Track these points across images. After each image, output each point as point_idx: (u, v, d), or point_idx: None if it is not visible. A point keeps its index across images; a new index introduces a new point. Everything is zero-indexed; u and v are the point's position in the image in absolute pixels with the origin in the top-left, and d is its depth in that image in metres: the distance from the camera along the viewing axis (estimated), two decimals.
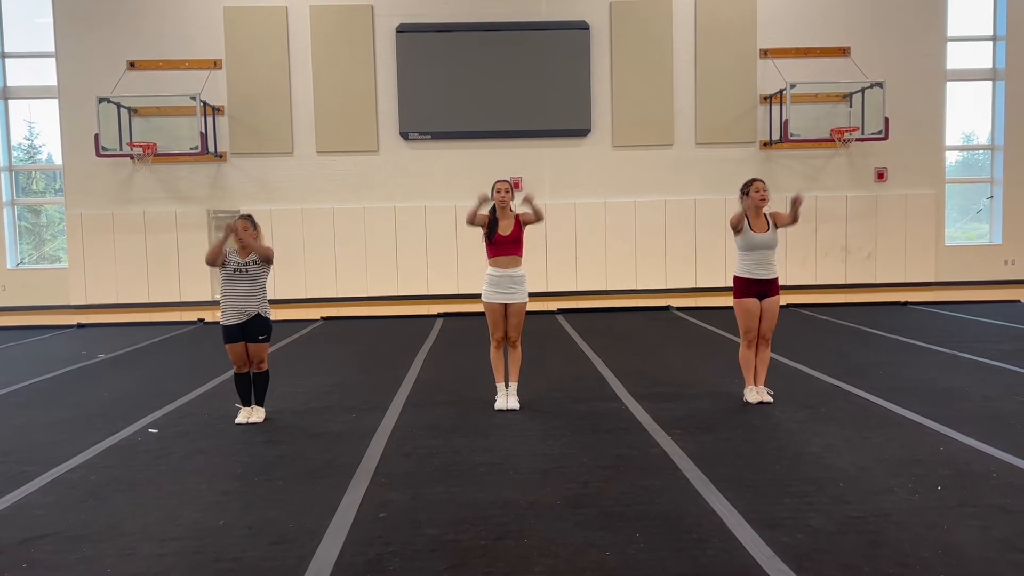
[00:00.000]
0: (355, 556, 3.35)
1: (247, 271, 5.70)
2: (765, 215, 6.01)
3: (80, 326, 12.43)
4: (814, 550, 3.30)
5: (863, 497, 3.90)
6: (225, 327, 5.74)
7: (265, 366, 5.88)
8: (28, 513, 3.98)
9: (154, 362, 8.82)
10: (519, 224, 6.02)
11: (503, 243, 5.96)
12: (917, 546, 3.31)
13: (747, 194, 6.01)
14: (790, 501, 3.87)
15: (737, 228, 5.95)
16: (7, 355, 9.65)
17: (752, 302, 5.98)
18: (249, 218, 5.84)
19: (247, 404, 5.88)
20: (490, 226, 5.98)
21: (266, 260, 5.79)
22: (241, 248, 5.75)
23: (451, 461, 4.69)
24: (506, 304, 5.98)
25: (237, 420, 5.78)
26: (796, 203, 5.78)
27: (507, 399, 6.02)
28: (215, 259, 5.68)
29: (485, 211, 5.97)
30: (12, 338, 11.18)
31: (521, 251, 6.04)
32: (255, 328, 5.75)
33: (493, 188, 6.02)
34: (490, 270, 6.01)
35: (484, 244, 6.05)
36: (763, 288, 5.97)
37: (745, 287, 5.99)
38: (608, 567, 3.19)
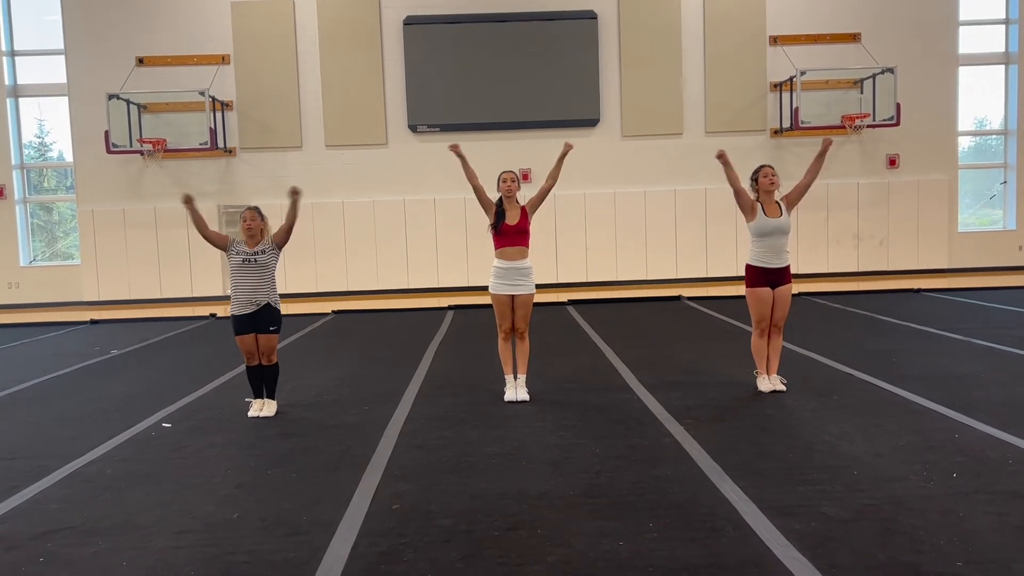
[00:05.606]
0: (369, 547, 3.36)
1: (256, 261, 5.73)
2: (777, 201, 5.99)
3: (93, 322, 12.51)
4: (828, 538, 3.29)
5: (877, 485, 3.89)
6: (235, 317, 5.77)
7: (275, 358, 5.90)
8: (44, 507, 4.01)
9: (167, 357, 8.87)
10: (526, 214, 6.00)
11: (510, 233, 5.93)
12: (932, 533, 3.30)
13: (757, 180, 6.02)
14: (804, 489, 3.86)
15: (747, 207, 5.94)
16: (21, 352, 9.73)
17: (765, 291, 5.94)
18: (256, 209, 5.86)
19: (259, 396, 5.91)
20: (497, 216, 5.97)
21: (285, 235, 5.84)
22: (249, 238, 5.77)
23: (463, 452, 4.69)
24: (513, 296, 5.98)
25: (249, 413, 5.81)
26: (826, 144, 6.14)
27: (516, 391, 6.02)
28: (203, 231, 5.82)
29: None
30: (26, 335, 11.26)
31: (528, 242, 6.00)
32: (265, 318, 5.77)
33: (499, 179, 6.01)
34: (496, 262, 5.99)
35: (491, 235, 6.04)
36: (776, 277, 5.93)
37: (757, 276, 5.95)
38: (621, 557, 3.19)
